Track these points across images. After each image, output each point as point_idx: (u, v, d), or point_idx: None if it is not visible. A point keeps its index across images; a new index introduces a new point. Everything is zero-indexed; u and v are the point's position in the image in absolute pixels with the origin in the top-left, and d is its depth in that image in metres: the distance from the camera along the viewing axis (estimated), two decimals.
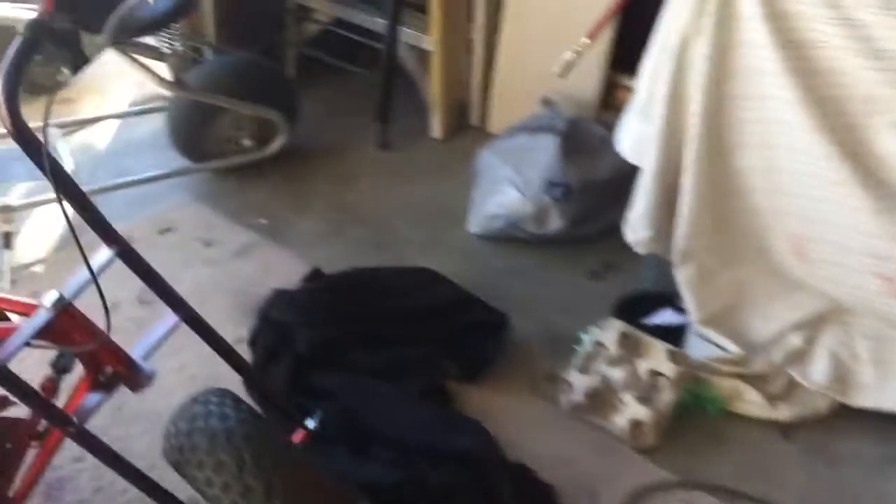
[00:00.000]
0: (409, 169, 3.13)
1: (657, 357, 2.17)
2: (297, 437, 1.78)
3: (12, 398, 1.39)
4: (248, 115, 2.89)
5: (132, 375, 1.55)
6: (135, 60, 2.55)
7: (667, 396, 2.12)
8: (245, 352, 2.28)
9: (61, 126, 2.96)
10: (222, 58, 3.15)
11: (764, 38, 1.96)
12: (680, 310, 2.34)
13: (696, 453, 2.10)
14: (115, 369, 1.54)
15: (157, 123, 3.08)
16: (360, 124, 3.24)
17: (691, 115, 2.11)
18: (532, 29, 2.99)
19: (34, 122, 1.28)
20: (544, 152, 2.67)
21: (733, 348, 2.23)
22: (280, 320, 2.27)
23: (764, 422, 2.17)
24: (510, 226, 2.71)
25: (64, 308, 1.41)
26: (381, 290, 2.36)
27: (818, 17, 1.89)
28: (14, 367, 1.37)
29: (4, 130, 1.25)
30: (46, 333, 1.42)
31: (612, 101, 2.97)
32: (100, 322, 1.47)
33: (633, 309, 2.40)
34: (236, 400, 1.59)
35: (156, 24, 2.42)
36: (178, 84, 2.73)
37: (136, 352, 1.56)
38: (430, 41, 3.07)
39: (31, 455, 1.64)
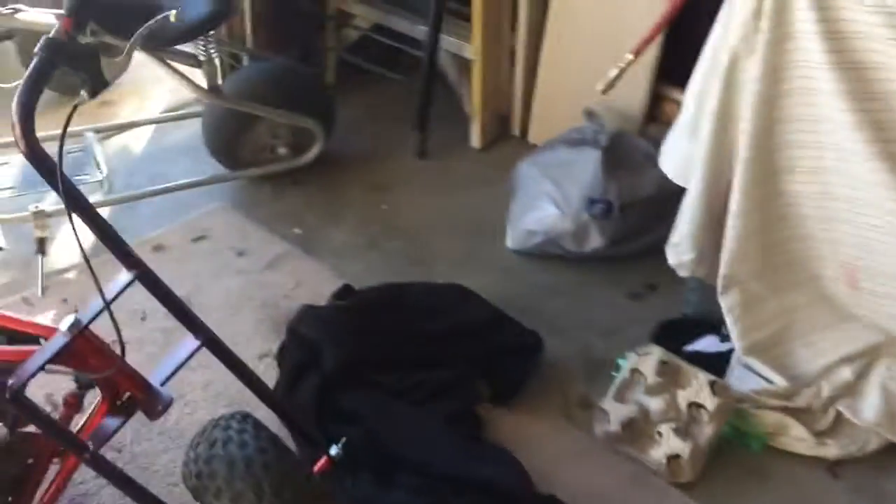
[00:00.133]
0: (447, 179, 3.07)
1: (698, 388, 2.09)
2: (319, 464, 1.73)
3: None
4: (284, 123, 2.86)
5: (150, 401, 1.53)
6: (170, 67, 2.54)
7: (707, 430, 2.04)
8: (273, 366, 2.25)
9: (97, 131, 2.96)
10: (259, 64, 3.11)
11: (820, 58, 1.85)
12: (723, 337, 2.25)
13: (736, 490, 2.02)
14: (132, 394, 1.52)
15: (193, 129, 3.07)
16: (398, 132, 3.20)
17: (741, 136, 2.02)
18: (576, 39, 2.91)
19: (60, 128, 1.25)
20: (585, 167, 2.59)
21: (778, 380, 2.13)
22: (308, 337, 2.23)
23: (809, 459, 2.07)
24: (548, 242, 2.63)
25: (80, 332, 1.40)
26: (411, 309, 2.31)
27: (879, 37, 1.79)
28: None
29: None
30: (63, 358, 1.41)
31: (658, 114, 2.88)
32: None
33: (674, 334, 2.32)
34: (257, 426, 1.58)
35: (187, 35, 2.40)
36: (213, 92, 2.71)
37: (154, 377, 1.53)
38: (472, 50, 3.02)
39: (53, 471, 1.64)
